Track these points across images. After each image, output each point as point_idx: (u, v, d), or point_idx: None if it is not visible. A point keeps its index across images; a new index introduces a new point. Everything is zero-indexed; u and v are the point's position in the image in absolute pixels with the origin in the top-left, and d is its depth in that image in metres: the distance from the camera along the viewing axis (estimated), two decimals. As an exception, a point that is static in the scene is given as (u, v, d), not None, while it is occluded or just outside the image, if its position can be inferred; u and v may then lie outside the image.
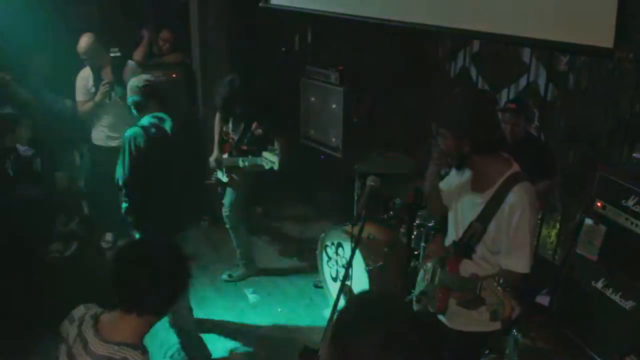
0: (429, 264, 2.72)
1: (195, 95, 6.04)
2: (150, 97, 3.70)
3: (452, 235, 2.73)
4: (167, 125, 3.64)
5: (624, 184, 3.53)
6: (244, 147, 4.61)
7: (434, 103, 5.44)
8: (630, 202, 3.47)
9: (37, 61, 5.29)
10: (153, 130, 3.57)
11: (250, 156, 4.53)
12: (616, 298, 3.53)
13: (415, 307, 2.94)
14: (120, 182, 3.60)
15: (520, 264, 2.45)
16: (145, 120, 3.62)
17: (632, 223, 3.46)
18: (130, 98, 3.75)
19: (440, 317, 2.73)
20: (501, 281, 2.23)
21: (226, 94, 4.50)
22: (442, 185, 2.84)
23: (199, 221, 5.71)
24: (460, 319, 2.68)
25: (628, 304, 3.46)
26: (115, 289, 1.83)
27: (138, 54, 5.56)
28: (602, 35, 2.33)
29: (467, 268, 2.59)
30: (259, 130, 4.56)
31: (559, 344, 3.96)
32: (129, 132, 3.53)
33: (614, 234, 3.56)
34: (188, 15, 5.94)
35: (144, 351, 1.81)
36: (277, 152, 4.38)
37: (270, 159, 4.35)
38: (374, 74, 5.78)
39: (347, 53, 5.95)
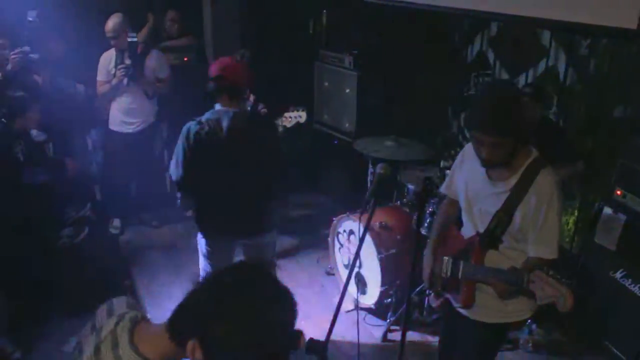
0: (446, 258, 2.64)
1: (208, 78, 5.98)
2: (220, 91, 3.24)
3: (469, 226, 2.65)
4: (225, 123, 3.17)
5: (646, 172, 3.43)
6: None
7: (451, 88, 5.40)
8: (651, 191, 3.38)
9: (50, 46, 5.26)
10: (206, 127, 3.16)
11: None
12: (635, 289, 3.46)
13: (433, 302, 2.88)
14: (173, 179, 3.32)
15: (549, 250, 2.41)
16: (207, 114, 3.24)
17: (653, 213, 3.36)
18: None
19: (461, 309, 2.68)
20: (551, 272, 2.18)
21: None
22: (444, 189, 2.83)
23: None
24: (482, 310, 2.62)
25: (647, 295, 3.38)
26: (179, 310, 1.48)
27: (140, 35, 5.50)
28: (626, 16, 2.23)
29: (491, 259, 2.53)
30: (264, 110, 4.55)
31: (574, 334, 3.90)
32: (185, 126, 3.20)
33: (634, 223, 3.47)
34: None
35: None
36: (300, 108, 4.34)
37: (294, 116, 4.32)
38: (389, 58, 5.69)
39: (362, 37, 5.85)
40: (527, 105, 3.74)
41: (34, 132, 4.64)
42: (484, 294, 2.55)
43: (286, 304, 1.42)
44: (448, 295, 2.74)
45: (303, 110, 4.42)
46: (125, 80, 4.81)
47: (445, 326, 3.08)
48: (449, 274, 2.60)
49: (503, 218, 2.45)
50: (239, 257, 3.60)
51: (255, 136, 3.23)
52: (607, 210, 3.65)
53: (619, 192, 3.60)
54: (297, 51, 6.27)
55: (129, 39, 4.80)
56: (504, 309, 2.57)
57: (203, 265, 3.52)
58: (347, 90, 5.59)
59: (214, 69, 3.25)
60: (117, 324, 1.65)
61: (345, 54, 5.59)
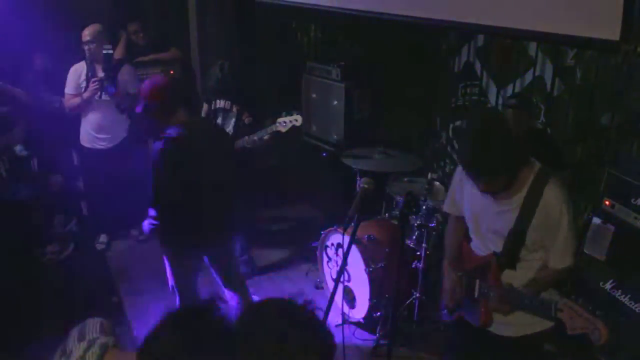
0: (460, 274, 2.62)
1: (195, 92, 5.96)
2: (149, 112, 3.32)
3: (479, 244, 2.62)
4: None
5: (634, 182, 3.42)
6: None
7: (439, 99, 5.39)
8: (640, 201, 3.36)
9: (32, 60, 5.22)
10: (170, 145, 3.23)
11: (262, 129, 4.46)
12: (625, 300, 3.42)
13: (445, 317, 2.84)
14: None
15: (562, 259, 2.41)
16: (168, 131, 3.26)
17: (642, 222, 3.35)
18: None
19: None
20: (580, 301, 2.15)
21: (215, 79, 4.43)
22: (447, 208, 2.78)
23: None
24: (506, 325, 2.58)
25: (638, 307, 3.35)
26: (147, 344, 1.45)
27: (118, 51, 5.46)
28: (609, 28, 2.22)
29: (510, 276, 2.50)
30: (250, 118, 4.52)
31: (566, 346, 3.86)
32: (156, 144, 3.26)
33: (623, 233, 3.45)
34: (187, 11, 5.86)
35: None
36: (293, 112, 4.33)
37: (288, 120, 4.32)
38: (376, 69, 5.69)
39: (349, 48, 5.85)
40: (514, 120, 3.75)
41: (17, 147, 4.60)
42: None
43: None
44: (464, 315, 2.70)
45: (297, 114, 4.40)
46: (98, 94, 4.73)
47: (459, 343, 2.98)
48: (464, 292, 2.58)
49: (517, 238, 2.42)
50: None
51: (207, 149, 3.32)
52: (596, 220, 3.62)
53: (607, 203, 3.58)
54: (284, 63, 6.26)
55: (105, 51, 4.70)
56: (528, 320, 2.51)
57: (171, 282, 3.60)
58: (335, 102, 5.57)
59: (142, 94, 3.32)
60: (86, 350, 1.61)
61: (332, 65, 5.58)
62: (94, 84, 4.65)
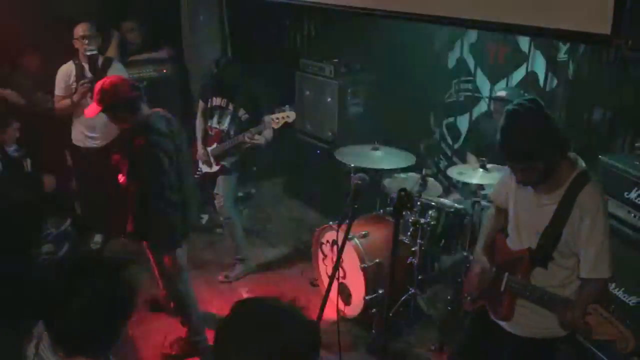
0: (491, 266, 2.65)
1: (188, 90, 5.95)
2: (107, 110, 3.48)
3: (515, 238, 2.63)
4: None
5: (627, 176, 3.43)
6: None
7: (432, 95, 5.41)
8: (633, 195, 3.37)
9: (25, 60, 5.19)
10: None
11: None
12: (619, 293, 3.44)
13: (467, 307, 2.87)
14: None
15: (603, 270, 2.36)
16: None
17: (635, 216, 3.36)
18: None
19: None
20: (610, 309, 2.21)
21: (210, 75, 4.45)
22: (503, 199, 2.75)
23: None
24: (520, 324, 2.61)
25: (632, 300, 3.37)
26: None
27: (110, 52, 5.43)
28: (600, 22, 2.23)
29: (538, 274, 2.51)
30: (246, 115, 4.53)
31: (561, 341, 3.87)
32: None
33: (616, 227, 3.46)
34: (179, 9, 5.84)
35: None
36: (286, 107, 4.40)
37: (280, 116, 4.36)
38: (369, 66, 5.69)
39: (343, 46, 5.85)
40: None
41: (10, 147, 4.57)
42: (524, 308, 2.55)
43: None
44: (486, 305, 2.72)
45: (290, 110, 4.40)
46: (89, 95, 4.70)
47: (474, 333, 3.00)
48: (491, 283, 2.60)
49: (552, 235, 2.43)
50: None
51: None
52: (589, 214, 3.64)
53: (600, 197, 3.60)
54: (278, 60, 6.25)
55: (88, 53, 4.65)
56: (541, 324, 2.54)
57: None
58: (329, 99, 5.58)
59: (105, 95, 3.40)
60: (37, 345, 1.66)
61: (326, 62, 5.58)
62: (83, 86, 4.61)
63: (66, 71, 4.74)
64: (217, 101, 4.62)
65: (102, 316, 1.67)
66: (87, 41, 4.66)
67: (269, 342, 1.35)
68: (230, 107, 4.56)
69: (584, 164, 2.43)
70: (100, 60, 4.79)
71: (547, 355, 2.68)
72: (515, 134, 2.32)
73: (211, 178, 4.72)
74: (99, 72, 4.68)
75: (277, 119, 4.36)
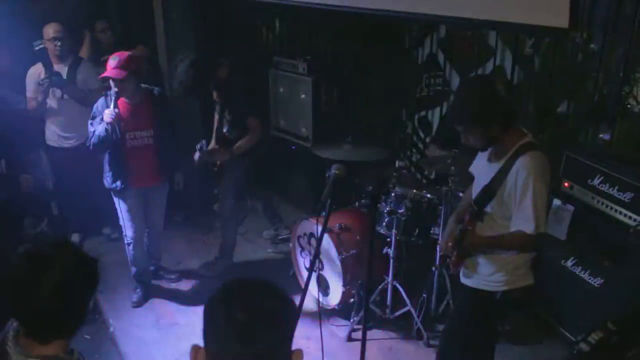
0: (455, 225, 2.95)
1: (163, 87, 5.96)
2: None
3: (473, 197, 2.87)
4: None
5: (589, 164, 3.58)
6: (227, 134, 4.67)
7: (404, 90, 5.51)
8: (596, 181, 3.53)
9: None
10: None
11: None
12: (585, 276, 3.60)
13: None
14: None
15: (527, 225, 2.56)
16: None
17: (598, 201, 3.52)
18: None
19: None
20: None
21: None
22: (472, 168, 3.00)
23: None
24: (471, 277, 2.89)
25: (596, 281, 3.53)
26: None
27: (83, 53, 5.42)
28: (559, 16, 2.36)
29: (481, 231, 2.77)
30: (229, 117, 4.58)
31: (531, 322, 4.02)
32: None
33: (582, 213, 3.62)
34: (152, 8, 5.85)
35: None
36: None
37: None
38: (342, 62, 5.77)
39: (315, 42, 5.91)
40: (494, 91, 3.89)
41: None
42: (470, 261, 2.83)
43: None
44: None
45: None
46: (57, 92, 4.72)
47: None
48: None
49: (487, 191, 2.69)
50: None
51: None
52: (557, 201, 3.79)
53: (566, 184, 3.75)
54: (251, 58, 6.29)
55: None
56: (484, 277, 2.81)
57: None
58: (303, 96, 5.64)
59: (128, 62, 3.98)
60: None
61: (299, 59, 5.64)
62: (41, 86, 4.64)
63: (36, 72, 4.74)
64: (214, 95, 4.69)
65: (73, 292, 1.69)
66: (59, 43, 4.66)
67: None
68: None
69: (533, 139, 2.66)
70: (69, 60, 4.80)
71: (487, 305, 2.88)
72: (457, 101, 2.75)
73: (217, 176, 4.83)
74: (50, 66, 4.73)
75: None
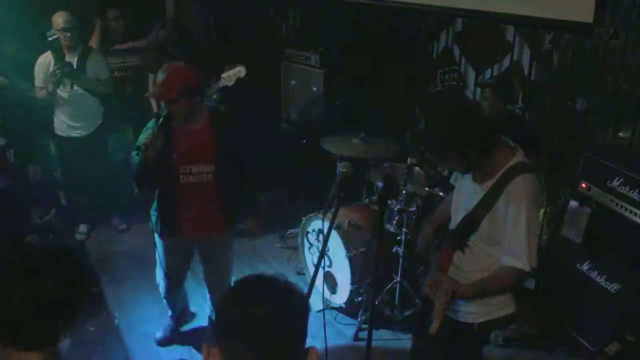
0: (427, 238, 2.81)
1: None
2: None
3: (453, 220, 2.62)
4: None
5: (609, 165, 3.48)
6: None
7: (418, 84, 5.42)
8: (615, 183, 3.43)
9: (7, 48, 5.12)
10: None
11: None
12: (601, 281, 3.50)
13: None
14: None
15: (518, 259, 2.31)
16: None
17: (617, 204, 3.41)
18: None
19: None
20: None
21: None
22: (453, 180, 2.75)
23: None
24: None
25: (613, 287, 3.43)
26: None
27: (92, 42, 5.36)
28: (583, 11, 2.26)
29: (463, 259, 2.51)
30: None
31: (544, 327, 3.93)
32: None
33: (599, 215, 3.51)
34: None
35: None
36: (237, 64, 4.41)
37: (232, 73, 4.36)
38: (355, 55, 5.67)
39: (328, 35, 5.82)
40: (490, 100, 3.76)
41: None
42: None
43: None
44: None
45: (240, 65, 4.34)
46: (66, 83, 4.65)
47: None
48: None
49: (471, 220, 2.41)
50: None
51: None
52: (573, 203, 3.68)
53: (584, 185, 3.64)
54: (263, 50, 6.22)
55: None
56: (458, 307, 2.54)
57: None
58: (314, 89, 5.56)
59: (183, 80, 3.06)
60: None
61: (311, 52, 5.56)
62: (52, 75, 4.56)
63: (45, 61, 4.68)
64: None
65: (46, 309, 1.59)
66: (69, 34, 4.60)
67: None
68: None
69: (522, 156, 2.37)
70: (79, 50, 4.74)
71: (465, 337, 2.62)
72: (426, 127, 2.38)
73: None
74: (62, 58, 4.64)
75: (229, 76, 4.32)
